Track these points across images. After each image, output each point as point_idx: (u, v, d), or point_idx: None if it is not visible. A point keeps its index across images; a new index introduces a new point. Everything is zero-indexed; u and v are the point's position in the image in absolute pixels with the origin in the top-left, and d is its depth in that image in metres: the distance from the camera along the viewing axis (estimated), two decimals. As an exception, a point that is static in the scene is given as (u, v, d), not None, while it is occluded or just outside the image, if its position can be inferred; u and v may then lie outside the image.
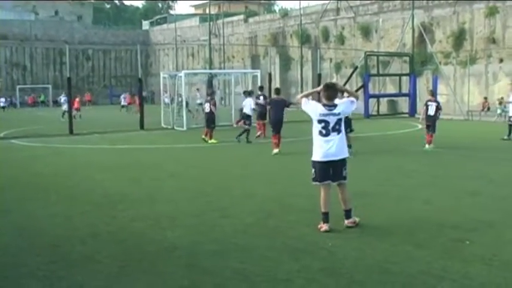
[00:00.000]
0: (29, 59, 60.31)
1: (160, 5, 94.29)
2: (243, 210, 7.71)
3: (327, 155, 6.51)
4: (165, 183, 10.37)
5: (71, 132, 21.85)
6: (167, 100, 27.13)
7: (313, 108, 6.65)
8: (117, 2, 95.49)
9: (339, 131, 6.55)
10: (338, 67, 41.49)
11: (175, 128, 24.11)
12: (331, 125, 6.52)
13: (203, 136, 17.91)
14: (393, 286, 4.71)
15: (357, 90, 26.35)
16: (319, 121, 6.56)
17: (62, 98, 34.88)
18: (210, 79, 35.39)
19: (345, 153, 6.64)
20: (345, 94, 8.01)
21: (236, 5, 70.19)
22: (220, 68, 49.50)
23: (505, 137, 17.34)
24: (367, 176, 10.47)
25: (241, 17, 54.11)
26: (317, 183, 6.63)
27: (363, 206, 7.48)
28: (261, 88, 20.97)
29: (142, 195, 9.00)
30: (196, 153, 15.88)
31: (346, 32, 40.96)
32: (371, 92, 32.14)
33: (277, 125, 14.91)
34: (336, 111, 6.54)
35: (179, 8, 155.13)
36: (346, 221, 6.57)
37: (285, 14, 49.02)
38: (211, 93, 19.30)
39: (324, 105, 6.59)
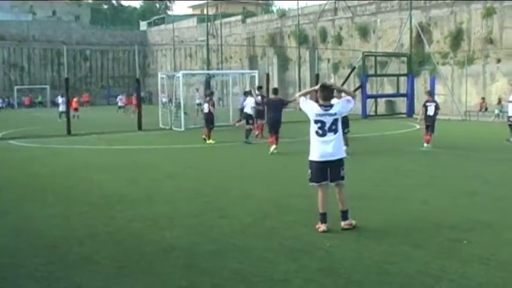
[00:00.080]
0: (26, 59, 60.26)
1: (158, 5, 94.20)
2: (241, 210, 7.72)
3: (324, 155, 6.52)
4: (163, 183, 10.37)
5: (69, 132, 21.84)
6: (165, 100, 27.13)
7: (310, 108, 6.67)
8: (114, 2, 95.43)
9: (335, 131, 6.56)
10: (336, 67, 41.48)
11: (173, 128, 24.09)
12: (328, 125, 6.53)
13: (203, 136, 17.94)
14: (391, 286, 4.72)
15: (354, 91, 26.35)
16: (316, 121, 6.58)
17: (60, 99, 34.83)
18: (207, 80, 35.37)
19: (342, 153, 6.65)
20: (343, 94, 8.02)
21: (234, 5, 70.18)
22: (218, 69, 49.45)
23: (511, 139, 16.56)
24: (364, 176, 10.47)
25: (239, 17, 54.07)
26: (314, 184, 6.64)
27: (360, 207, 7.49)
28: (260, 88, 21.01)
29: (140, 196, 9.00)
30: (194, 154, 15.89)
31: (344, 32, 40.96)
32: (369, 92, 32.14)
33: (275, 125, 14.90)
34: (332, 111, 6.56)
35: (177, 9, 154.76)
36: (342, 223, 6.56)
37: (282, 14, 48.99)
38: (209, 94, 19.33)
39: (320, 105, 6.62)
